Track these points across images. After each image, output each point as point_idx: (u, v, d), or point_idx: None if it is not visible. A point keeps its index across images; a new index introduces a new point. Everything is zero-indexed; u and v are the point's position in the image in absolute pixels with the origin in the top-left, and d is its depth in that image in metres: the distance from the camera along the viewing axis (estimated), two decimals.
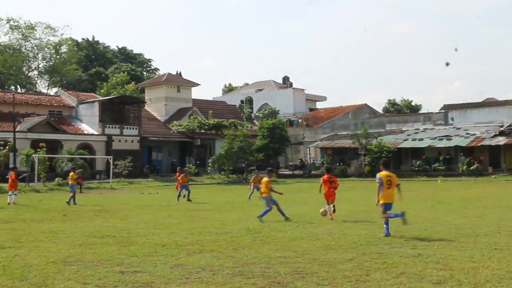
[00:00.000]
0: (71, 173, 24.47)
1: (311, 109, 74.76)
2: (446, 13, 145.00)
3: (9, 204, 22.50)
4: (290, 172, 53.73)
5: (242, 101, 74.26)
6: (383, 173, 11.87)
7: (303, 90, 75.58)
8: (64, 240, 11.75)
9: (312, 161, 58.19)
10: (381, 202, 11.70)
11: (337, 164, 51.65)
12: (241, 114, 66.88)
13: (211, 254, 9.66)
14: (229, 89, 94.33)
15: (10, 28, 72.63)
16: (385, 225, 11.59)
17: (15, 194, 23.51)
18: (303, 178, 48.49)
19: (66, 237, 12.15)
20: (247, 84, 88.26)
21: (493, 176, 42.51)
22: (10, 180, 23.66)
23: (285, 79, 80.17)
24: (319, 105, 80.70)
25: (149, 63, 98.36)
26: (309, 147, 58.68)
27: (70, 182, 23.93)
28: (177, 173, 29.69)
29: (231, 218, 16.20)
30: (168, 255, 9.64)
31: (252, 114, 70.44)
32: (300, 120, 65.79)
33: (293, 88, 75.06)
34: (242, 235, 12.15)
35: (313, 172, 52.11)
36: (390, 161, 41.35)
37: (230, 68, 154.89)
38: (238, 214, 17.78)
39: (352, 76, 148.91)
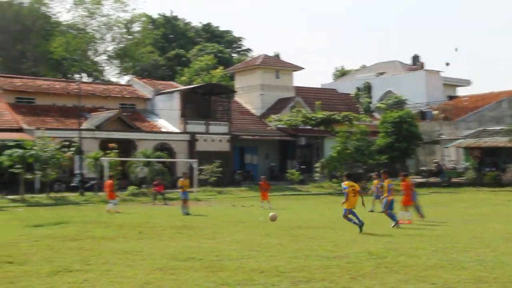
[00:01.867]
0: (181, 179, 28.23)
1: (450, 97, 72.47)
2: None
3: (108, 211, 26.79)
4: (424, 180, 52.46)
5: (358, 89, 73.50)
6: None
7: (438, 72, 73.50)
8: (141, 263, 12.16)
9: (452, 165, 56.51)
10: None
11: (488, 169, 50.15)
12: (357, 105, 66.20)
13: (322, 284, 9.67)
14: (341, 74, 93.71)
15: (74, 3, 76.31)
16: None
17: (115, 204, 28.09)
18: (441, 188, 47.21)
19: (142, 260, 12.58)
20: (364, 67, 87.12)
21: None
22: (108, 190, 28.63)
23: (415, 59, 78.39)
24: (461, 91, 78.12)
25: (240, 43, 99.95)
26: (448, 147, 57.17)
27: (181, 190, 27.20)
28: (261, 182, 30.48)
29: (346, 239, 16.14)
30: (268, 284, 9.76)
31: (372, 105, 69.52)
32: (435, 112, 64.10)
33: (426, 70, 73.16)
34: (362, 261, 12.05)
35: (454, 179, 50.86)
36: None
37: (342, 47, 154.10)
38: (355, 233, 17.63)
39: (507, 54, 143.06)
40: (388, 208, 19.88)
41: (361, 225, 17.60)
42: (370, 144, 49.15)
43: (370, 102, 70.65)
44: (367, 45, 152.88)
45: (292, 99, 59.05)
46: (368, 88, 73.90)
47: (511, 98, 62.64)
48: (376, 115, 63.73)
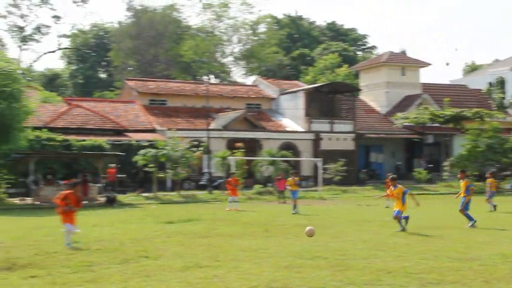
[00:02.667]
0: (288, 179, 28.58)
1: None
2: None
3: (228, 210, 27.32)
4: None
5: (490, 84, 70.68)
6: None
7: None
8: (267, 260, 12.27)
9: None
10: None
11: None
12: (489, 102, 63.66)
13: (452, 286, 9.39)
14: (472, 69, 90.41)
15: (203, 7, 78.49)
16: None
17: (236, 201, 28.53)
18: None
19: (269, 257, 12.69)
20: (497, 61, 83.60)
21: None
22: (230, 186, 29.21)
23: None
24: None
25: (364, 40, 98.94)
26: None
27: (292, 189, 27.22)
28: (387, 180, 29.67)
29: (478, 240, 15.63)
30: (396, 285, 9.59)
31: (505, 101, 66.62)
32: None
33: None
34: (496, 264, 11.63)
35: None
36: None
37: (473, 41, 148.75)
38: (487, 234, 17.08)
39: None
40: (465, 208, 19.61)
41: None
42: (503, 142, 47.01)
43: (503, 98, 67.62)
44: (501, 37, 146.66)
45: (419, 96, 57.72)
46: (501, 83, 70.70)
47: None
48: (511, 111, 60.92)
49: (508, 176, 47.11)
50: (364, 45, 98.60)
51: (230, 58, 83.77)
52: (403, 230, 17.59)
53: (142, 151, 37.28)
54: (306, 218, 23.25)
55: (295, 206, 26.25)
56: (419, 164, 51.80)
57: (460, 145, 48.27)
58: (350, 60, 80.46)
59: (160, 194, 36.95)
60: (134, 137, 42.28)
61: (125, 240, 16.07)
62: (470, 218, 19.23)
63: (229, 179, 30.28)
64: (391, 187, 19.07)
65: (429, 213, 24.19)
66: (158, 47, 77.91)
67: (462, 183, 20.72)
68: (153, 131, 44.86)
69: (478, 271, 10.81)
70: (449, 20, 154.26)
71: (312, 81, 67.92)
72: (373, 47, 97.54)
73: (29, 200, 33.29)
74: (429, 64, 62.11)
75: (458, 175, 22.19)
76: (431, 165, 51.03)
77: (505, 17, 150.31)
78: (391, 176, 19.63)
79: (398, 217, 17.83)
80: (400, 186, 18.52)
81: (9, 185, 35.16)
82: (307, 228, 14.79)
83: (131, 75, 69.54)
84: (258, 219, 22.87)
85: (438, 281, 9.87)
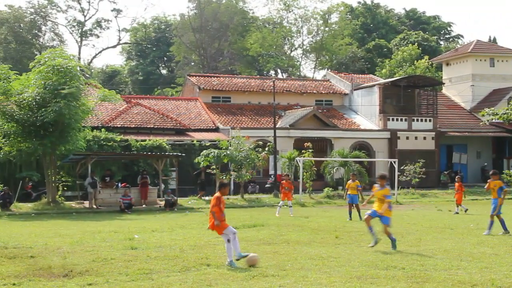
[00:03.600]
0: (349, 182, 27.32)
1: None
2: None
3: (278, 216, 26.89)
4: None
5: None
6: None
7: None
8: (338, 269, 12.19)
9: None
10: None
11: None
12: None
13: None
14: None
15: None
16: None
17: (290, 206, 28.14)
18: None
19: (340, 266, 12.60)
20: None
21: None
22: (282, 189, 28.86)
23: None
24: None
25: (449, 29, 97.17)
26: None
27: (350, 193, 26.35)
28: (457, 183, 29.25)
29: None
30: None
31: None
32: None
33: None
34: None
35: None
36: None
37: None
38: None
39: None
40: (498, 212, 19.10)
41: None
42: None
43: None
44: None
45: (509, 90, 56.30)
46: None
47: None
48: None
49: None
50: (448, 34, 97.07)
51: (299, 51, 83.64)
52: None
53: (204, 152, 37.61)
54: (380, 225, 22.92)
55: (350, 212, 25.80)
56: (509, 165, 50.51)
57: None
58: (431, 51, 79.29)
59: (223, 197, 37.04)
60: (196, 136, 42.71)
61: (186, 246, 16.20)
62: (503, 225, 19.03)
63: (283, 181, 29.67)
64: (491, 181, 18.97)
65: None
66: (223, 41, 78.52)
67: (493, 184, 19.75)
68: (216, 130, 45.26)
69: None
70: None
71: (389, 75, 67.36)
72: (459, 36, 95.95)
73: (86, 204, 33.94)
74: None
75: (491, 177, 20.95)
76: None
77: None
78: (493, 171, 19.32)
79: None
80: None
81: (66, 188, 36.07)
82: (250, 255, 13.23)
83: (193, 70, 70.43)
84: (328, 224, 22.74)
85: None
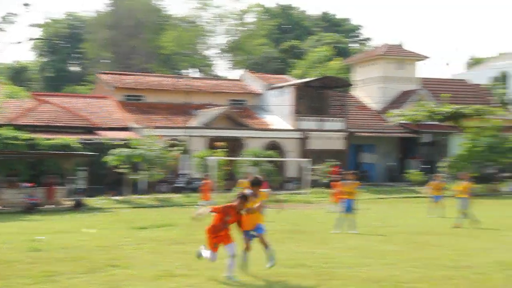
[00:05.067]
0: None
1: None
2: None
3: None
4: None
5: (492, 79, 71.15)
6: None
7: None
8: (250, 269, 12.22)
9: None
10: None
11: None
12: (491, 98, 63.98)
13: None
14: (474, 63, 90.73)
15: None
16: None
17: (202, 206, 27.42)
18: None
19: (250, 265, 12.55)
20: (501, 55, 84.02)
21: None
22: (204, 189, 28.68)
23: None
24: None
25: (358, 31, 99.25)
26: None
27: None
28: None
29: (472, 247, 15.85)
30: None
31: (507, 97, 67.08)
32: None
33: None
34: (490, 272, 11.78)
35: None
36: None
37: (475, 33, 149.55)
38: (484, 240, 17.33)
39: None
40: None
41: None
42: (504, 141, 47.29)
43: (505, 94, 68.17)
44: (505, 29, 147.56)
45: (415, 92, 57.74)
46: (503, 78, 71.30)
47: None
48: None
49: (507, 178, 47.46)
50: (358, 36, 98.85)
51: (215, 51, 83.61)
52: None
53: (114, 151, 37.11)
54: (290, 223, 23.19)
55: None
56: (414, 165, 51.88)
57: (458, 145, 48.47)
58: (343, 52, 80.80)
59: (133, 197, 36.79)
60: (107, 135, 42.01)
61: (93, 247, 15.98)
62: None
63: (206, 181, 29.49)
64: None
65: (422, 218, 24.33)
66: (137, 39, 77.67)
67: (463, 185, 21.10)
68: (128, 129, 44.69)
69: (473, 280, 10.95)
70: (450, 11, 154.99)
71: (302, 75, 68.06)
72: (368, 39, 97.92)
73: None
74: (427, 57, 62.13)
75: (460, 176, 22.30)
76: (427, 166, 51.09)
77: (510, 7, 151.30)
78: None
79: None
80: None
81: None
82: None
83: (107, 68, 69.20)
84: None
85: None
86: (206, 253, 11.91)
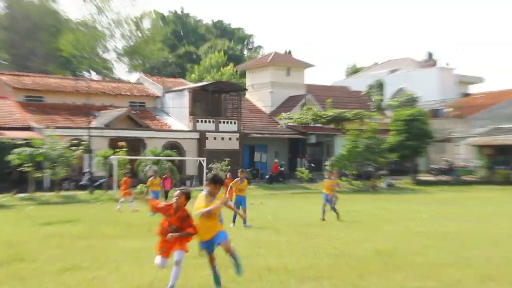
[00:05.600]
0: (150, 178, 27.09)
1: (465, 95, 71.94)
2: None
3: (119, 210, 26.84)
4: (434, 178, 52.49)
5: (370, 86, 73.27)
6: None
7: (452, 69, 73.22)
8: (149, 260, 11.92)
9: (463, 163, 56.39)
10: None
11: (500, 167, 50.71)
12: (369, 103, 66.01)
13: (329, 281, 9.77)
14: (353, 71, 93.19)
15: (83, 0, 76.51)
16: None
17: (131, 202, 27.78)
18: (450, 186, 47.39)
19: (150, 258, 12.36)
20: (376, 64, 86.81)
21: None
22: (123, 188, 28.60)
23: (429, 55, 78.12)
24: (474, 89, 77.56)
25: (251, 40, 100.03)
26: (460, 145, 57.23)
27: (155, 189, 26.08)
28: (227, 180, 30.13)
29: (354, 237, 16.23)
30: (276, 282, 9.88)
31: (383, 103, 69.29)
32: (448, 110, 63.84)
33: (439, 67, 72.90)
34: (370, 259, 12.13)
35: (464, 177, 51.39)
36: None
37: (355, 44, 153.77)
38: (364, 231, 17.73)
39: None
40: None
41: None
42: (380, 142, 49.10)
43: (381, 100, 70.40)
44: (380, 41, 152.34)
45: (302, 97, 58.90)
46: (380, 85, 73.59)
47: None
48: (388, 112, 63.33)
49: (384, 175, 49.24)
50: (250, 44, 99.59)
51: (113, 54, 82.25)
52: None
53: (16, 150, 36.00)
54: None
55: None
56: (302, 164, 52.91)
57: (341, 145, 49.85)
58: (236, 59, 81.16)
59: (38, 194, 35.74)
60: (8, 135, 40.72)
61: None
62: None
63: (125, 178, 29.48)
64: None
65: (310, 211, 24.77)
66: (35, 40, 75.24)
67: (329, 182, 22.39)
68: (29, 129, 43.42)
69: (353, 266, 11.28)
70: (334, 21, 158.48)
71: (198, 80, 68.08)
72: (259, 47, 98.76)
73: None
74: (313, 65, 63.40)
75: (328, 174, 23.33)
76: (313, 165, 52.28)
77: (385, 22, 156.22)
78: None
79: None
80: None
81: None
82: None
83: (5, 69, 66.82)
84: (140, 219, 22.57)
85: (316, 277, 10.19)
86: (156, 259, 9.97)
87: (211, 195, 9.79)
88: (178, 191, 9.86)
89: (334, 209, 21.93)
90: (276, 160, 52.15)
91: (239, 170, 21.71)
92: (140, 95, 54.25)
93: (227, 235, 9.80)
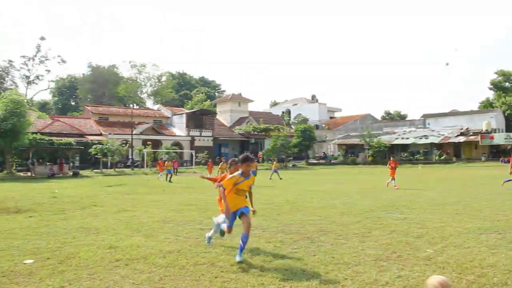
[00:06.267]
0: (165, 162, 25.90)
1: (331, 117, 73.38)
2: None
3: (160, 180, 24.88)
4: (316, 161, 53.19)
5: (283, 112, 73.69)
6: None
7: (325, 104, 74.35)
8: (163, 206, 11.95)
9: (331, 153, 57.37)
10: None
11: (350, 155, 51.13)
12: (283, 121, 66.44)
13: (261, 218, 9.54)
14: (274, 104, 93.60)
15: (131, 66, 74.74)
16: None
17: (161, 175, 26.21)
18: (325, 166, 47.87)
19: (164, 205, 12.36)
20: (286, 100, 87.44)
21: (456, 163, 41.70)
22: (159, 166, 26.89)
23: (313, 96, 79.27)
24: (337, 114, 79.09)
25: (219, 87, 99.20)
26: (330, 144, 58.16)
27: (168, 168, 24.92)
28: (209, 163, 29.52)
29: (275, 193, 15.83)
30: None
31: (290, 121, 69.88)
32: (323, 125, 64.87)
33: (319, 103, 73.97)
34: (283, 205, 11.88)
35: (332, 161, 51.49)
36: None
37: (276, 88, 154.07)
38: (280, 189, 17.37)
39: (360, 93, 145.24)
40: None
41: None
42: (288, 142, 49.22)
43: (289, 120, 70.86)
44: (289, 87, 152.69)
45: (247, 118, 58.85)
46: (288, 112, 74.08)
47: (362, 118, 63.81)
48: (292, 127, 63.82)
49: (290, 160, 49.51)
50: (219, 89, 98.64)
51: (145, 95, 79.68)
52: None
53: (93, 146, 35.20)
54: (186, 184, 22.45)
55: (169, 178, 23.40)
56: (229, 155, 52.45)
57: (268, 144, 49.81)
58: (211, 97, 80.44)
59: (104, 170, 34.90)
60: (90, 138, 39.63)
61: (83, 196, 15.07)
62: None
63: (159, 161, 28.26)
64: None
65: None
66: (105, 87, 73.28)
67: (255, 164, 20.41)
68: (100, 134, 42.30)
69: (274, 209, 10.94)
70: (264, 75, 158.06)
71: (191, 108, 67.06)
72: (224, 91, 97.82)
73: (29, 174, 30.54)
74: (253, 100, 63.74)
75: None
76: (253, 154, 51.95)
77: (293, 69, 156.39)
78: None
79: None
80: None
81: (18, 165, 32.18)
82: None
83: (89, 103, 64.76)
84: (159, 184, 21.90)
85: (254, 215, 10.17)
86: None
87: (244, 175, 5.87)
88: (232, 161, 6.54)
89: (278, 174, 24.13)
90: (236, 154, 51.80)
91: (231, 160, 18.78)
92: (159, 116, 53.24)
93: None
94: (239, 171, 6.00)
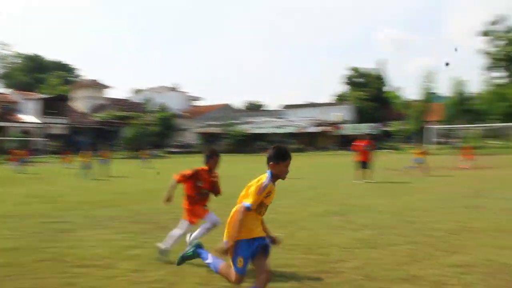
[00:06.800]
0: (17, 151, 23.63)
1: (192, 106, 73.42)
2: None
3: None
4: (177, 150, 52.60)
5: (145, 99, 70.66)
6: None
7: (186, 92, 74.10)
8: (8, 199, 10.52)
9: (192, 142, 57.52)
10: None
11: (209, 143, 51.87)
12: (143, 109, 63.64)
13: (116, 208, 9.18)
14: (137, 91, 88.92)
15: None
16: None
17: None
18: (180, 154, 46.67)
19: (9, 197, 10.88)
20: (150, 88, 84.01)
21: (310, 152, 43.59)
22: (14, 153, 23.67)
23: (175, 84, 78.19)
24: (198, 103, 79.27)
25: (76, 71, 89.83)
26: (190, 132, 57.93)
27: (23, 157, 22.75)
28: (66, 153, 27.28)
29: (131, 182, 15.35)
30: (84, 209, 9.11)
31: (151, 109, 67.36)
32: (184, 114, 64.48)
33: (180, 91, 73.23)
34: (137, 193, 11.59)
35: (193, 150, 51.30)
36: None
37: (140, 75, 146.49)
38: (137, 180, 16.65)
39: (223, 84, 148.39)
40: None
41: None
42: (147, 130, 47.26)
43: (151, 107, 68.21)
44: (152, 75, 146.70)
45: (108, 105, 54.86)
46: (149, 100, 71.14)
47: (223, 108, 65.58)
48: (154, 115, 61.83)
49: (151, 148, 47.93)
50: (77, 74, 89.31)
51: None
52: None
53: None
54: (34, 174, 20.26)
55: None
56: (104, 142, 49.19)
57: (128, 132, 46.84)
58: (70, 82, 72.37)
59: None
60: None
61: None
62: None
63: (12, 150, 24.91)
64: None
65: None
66: None
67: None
68: None
69: (130, 199, 10.49)
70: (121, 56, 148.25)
71: (45, 93, 59.64)
72: (83, 76, 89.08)
73: None
74: (110, 87, 59.78)
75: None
76: (111, 143, 48.77)
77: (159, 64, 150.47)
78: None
79: None
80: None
81: None
82: None
83: None
84: (6, 175, 19.00)
85: (108, 206, 9.49)
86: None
87: (274, 181, 3.65)
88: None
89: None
90: (92, 142, 47.77)
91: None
92: (5, 101, 45.54)
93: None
94: (268, 176, 3.46)
